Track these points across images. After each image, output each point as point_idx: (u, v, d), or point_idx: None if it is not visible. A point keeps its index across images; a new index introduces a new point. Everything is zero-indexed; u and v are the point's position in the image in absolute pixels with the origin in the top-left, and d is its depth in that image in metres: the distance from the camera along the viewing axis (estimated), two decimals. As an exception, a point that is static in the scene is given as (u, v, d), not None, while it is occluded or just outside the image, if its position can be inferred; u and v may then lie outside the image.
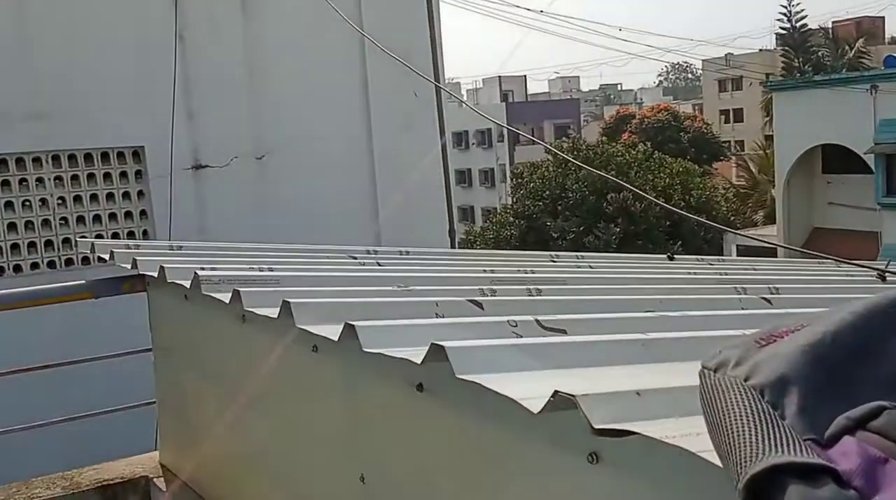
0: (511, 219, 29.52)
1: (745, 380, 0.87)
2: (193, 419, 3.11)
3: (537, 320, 1.77)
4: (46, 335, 4.95)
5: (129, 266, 2.85)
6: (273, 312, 1.97)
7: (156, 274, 2.54)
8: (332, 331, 1.74)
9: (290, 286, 2.30)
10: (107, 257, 2.96)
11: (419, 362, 1.44)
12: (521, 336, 1.69)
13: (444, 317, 1.94)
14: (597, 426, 1.10)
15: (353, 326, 1.60)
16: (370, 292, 2.25)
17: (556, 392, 1.16)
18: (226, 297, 2.12)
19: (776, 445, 0.78)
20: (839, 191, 26.18)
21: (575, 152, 27.02)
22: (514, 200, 30.59)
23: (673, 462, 1.24)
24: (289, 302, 1.82)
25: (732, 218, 29.61)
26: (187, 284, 2.34)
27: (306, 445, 2.32)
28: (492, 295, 2.31)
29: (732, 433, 0.82)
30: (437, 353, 1.40)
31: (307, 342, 2.13)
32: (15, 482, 3.49)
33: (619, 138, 38.46)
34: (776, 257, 18.19)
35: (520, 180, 30.55)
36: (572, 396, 1.13)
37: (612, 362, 1.47)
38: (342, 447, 2.15)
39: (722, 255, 24.67)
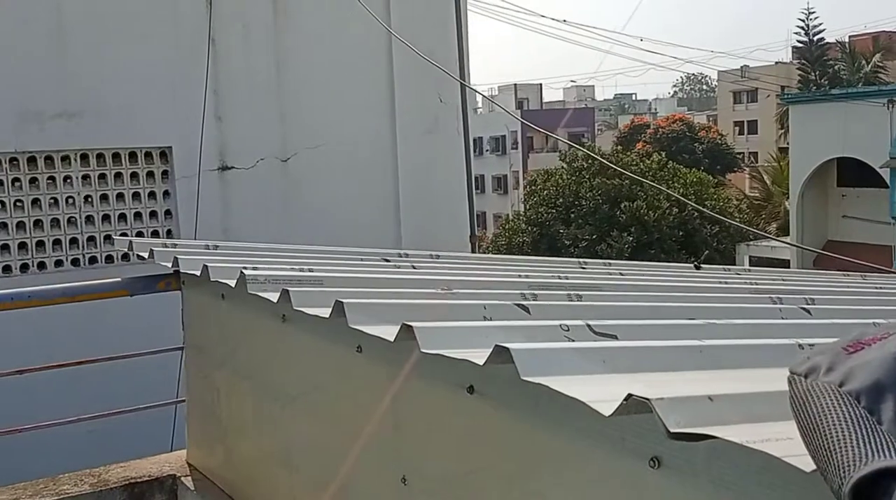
0: (523, 226, 29.52)
1: (840, 386, 0.88)
2: (224, 418, 3.12)
3: (588, 325, 1.77)
4: (58, 334, 4.98)
5: (168, 264, 2.87)
6: (322, 312, 1.98)
7: (198, 273, 2.56)
8: (386, 332, 1.75)
9: (333, 287, 2.31)
10: (146, 255, 2.98)
11: (481, 363, 1.45)
12: (574, 340, 1.70)
13: (492, 320, 1.95)
14: (673, 430, 1.11)
15: (410, 326, 1.61)
16: (414, 295, 2.27)
17: (629, 395, 1.16)
18: (273, 296, 2.13)
19: (878, 449, 0.78)
20: (854, 204, 26.09)
21: (590, 160, 26.97)
22: (527, 207, 30.59)
23: (740, 467, 1.25)
24: (342, 302, 1.83)
25: (744, 230, 29.49)
26: (232, 283, 2.35)
27: (346, 445, 2.33)
28: (534, 299, 2.32)
29: (831, 437, 0.83)
30: (500, 355, 1.41)
31: (351, 343, 2.15)
32: (42, 479, 3.51)
33: (634, 148, 38.40)
34: (788, 269, 18.13)
35: (533, 188, 30.56)
36: (647, 399, 1.14)
37: (671, 367, 1.48)
38: (384, 447, 2.16)
39: (734, 265, 24.57)
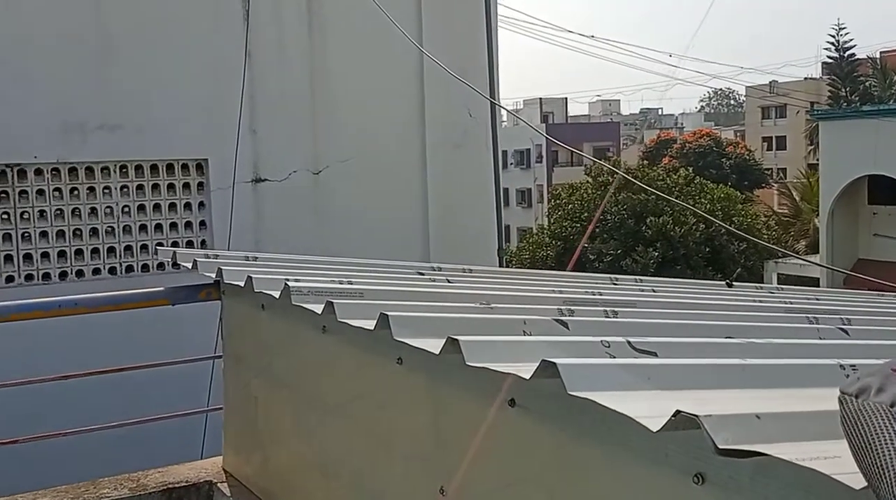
0: (547, 240, 29.49)
1: (892, 406, 0.91)
2: (262, 426, 3.18)
3: (629, 342, 1.80)
4: (91, 342, 5.07)
5: (212, 275, 2.94)
6: (365, 323, 2.03)
7: (242, 284, 2.63)
8: (430, 344, 1.79)
9: (374, 300, 2.36)
10: (189, 265, 3.06)
11: (527, 377, 1.49)
12: (615, 357, 1.73)
13: (532, 335, 1.98)
14: (721, 447, 1.14)
15: (456, 340, 1.65)
16: (453, 308, 2.31)
17: (677, 412, 1.19)
18: (317, 307, 2.19)
19: (930, 468, 0.82)
20: (885, 222, 25.75)
21: (615, 175, 26.90)
22: (552, 221, 30.56)
23: (786, 485, 1.27)
24: (387, 315, 1.88)
25: (774, 246, 29.20)
26: (276, 294, 2.41)
27: (384, 455, 2.38)
28: (570, 315, 2.35)
29: (883, 455, 0.86)
30: (546, 369, 1.45)
31: (392, 354, 2.19)
32: (83, 482, 3.58)
33: (660, 163, 38.25)
34: (818, 287, 17.91)
35: (558, 201, 30.54)
36: (696, 416, 1.17)
37: (715, 385, 1.51)
38: (422, 458, 2.19)
39: (762, 283, 24.35)
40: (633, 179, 17.26)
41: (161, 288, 3.33)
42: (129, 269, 6.34)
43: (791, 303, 3.54)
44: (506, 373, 1.56)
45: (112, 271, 6.30)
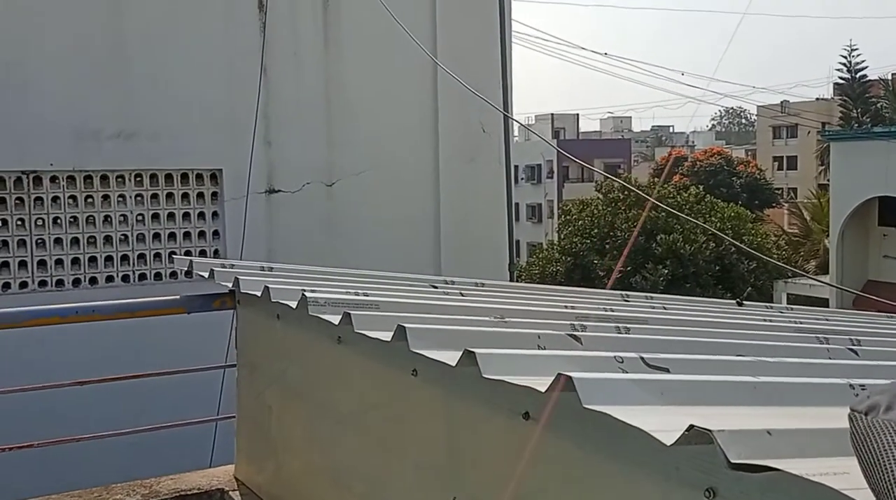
0: (557, 255, 29.49)
1: (900, 424, 0.94)
2: (275, 435, 3.21)
3: (642, 358, 1.83)
4: (102, 348, 5.11)
5: (228, 284, 2.99)
6: (382, 335, 2.07)
7: (259, 294, 2.67)
8: (446, 356, 1.83)
9: (390, 311, 2.39)
10: (206, 274, 3.10)
11: (543, 390, 1.52)
12: (628, 372, 1.76)
13: (546, 349, 2.02)
14: (734, 461, 1.16)
15: (472, 352, 1.68)
16: (467, 322, 2.34)
17: (691, 426, 1.22)
18: (334, 318, 2.22)
19: (936, 484, 0.84)
20: (895, 244, 25.68)
21: (626, 192, 26.93)
22: (562, 236, 30.57)
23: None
24: (404, 327, 1.91)
25: (784, 265, 29.10)
26: (293, 304, 2.45)
27: (397, 466, 2.40)
28: (583, 330, 2.38)
29: (893, 471, 0.89)
30: (560, 382, 1.48)
31: (407, 366, 2.22)
32: (96, 488, 3.62)
33: (671, 180, 38.25)
34: (827, 308, 17.83)
35: (568, 217, 30.56)
36: (709, 431, 1.19)
37: (727, 402, 1.53)
38: (435, 469, 2.22)
39: (772, 302, 24.25)
40: (644, 195, 17.29)
41: (177, 296, 3.38)
42: (142, 277, 6.40)
43: (801, 323, 3.55)
44: (521, 385, 1.59)
45: (125, 278, 6.36)
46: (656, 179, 35.71)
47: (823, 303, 23.52)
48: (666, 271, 25.94)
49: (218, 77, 6.45)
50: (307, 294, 2.37)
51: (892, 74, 40.41)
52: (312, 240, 6.71)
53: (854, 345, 2.72)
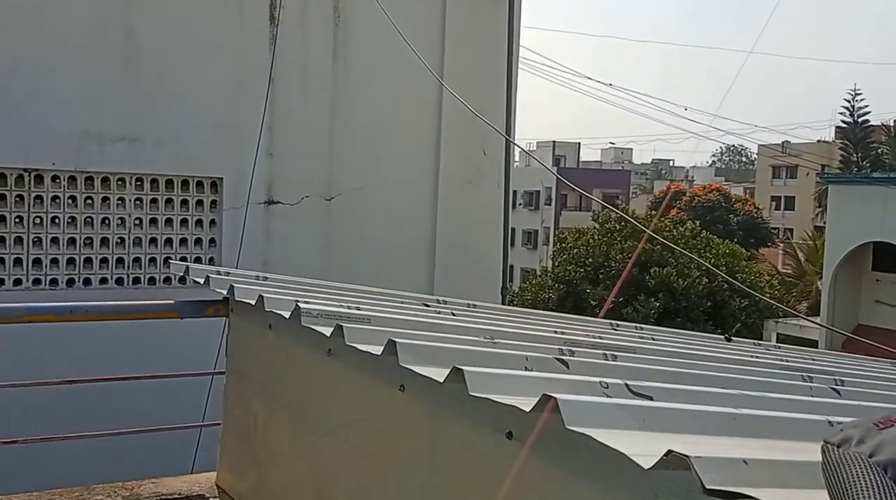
0: (550, 282, 29.51)
1: (870, 457, 0.97)
2: (259, 444, 3.22)
3: (626, 385, 1.86)
4: (90, 349, 5.11)
5: (223, 291, 3.01)
6: (372, 349, 2.10)
7: (253, 302, 2.69)
8: (434, 373, 1.85)
9: (381, 326, 2.42)
10: (201, 281, 3.13)
11: (528, 410, 1.55)
12: (612, 397, 1.79)
13: (533, 371, 2.04)
14: (709, 487, 1.19)
15: (461, 370, 1.71)
16: (457, 340, 2.37)
17: (669, 451, 1.25)
18: (326, 330, 2.25)
19: (901, 516, 0.87)
20: (888, 290, 25.73)
21: (622, 223, 27.02)
22: (556, 263, 30.61)
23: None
24: (395, 341, 1.94)
25: (774, 306, 29.17)
26: (286, 314, 2.48)
27: (380, 479, 2.42)
28: (571, 355, 2.41)
29: (859, 501, 0.92)
30: (545, 403, 1.51)
31: (395, 381, 2.25)
32: (77, 487, 3.61)
33: (668, 214, 38.40)
34: (817, 349, 17.87)
35: (563, 245, 30.62)
36: (686, 456, 1.22)
37: (706, 431, 1.56)
38: (418, 484, 2.24)
39: (762, 340, 24.25)
40: (641, 227, 17.36)
41: (171, 301, 3.40)
42: (136, 281, 6.42)
43: (787, 361, 3.58)
44: (506, 405, 1.61)
45: (119, 281, 6.38)
46: (654, 212, 35.88)
47: (813, 345, 23.54)
48: (658, 304, 25.96)
49: (225, 86, 6.52)
50: (301, 305, 2.40)
51: (895, 120, 40.85)
52: (309, 252, 6.74)
53: (837, 385, 2.75)
